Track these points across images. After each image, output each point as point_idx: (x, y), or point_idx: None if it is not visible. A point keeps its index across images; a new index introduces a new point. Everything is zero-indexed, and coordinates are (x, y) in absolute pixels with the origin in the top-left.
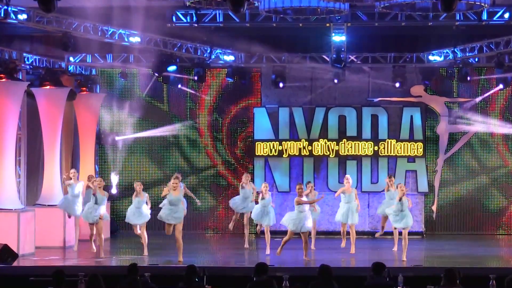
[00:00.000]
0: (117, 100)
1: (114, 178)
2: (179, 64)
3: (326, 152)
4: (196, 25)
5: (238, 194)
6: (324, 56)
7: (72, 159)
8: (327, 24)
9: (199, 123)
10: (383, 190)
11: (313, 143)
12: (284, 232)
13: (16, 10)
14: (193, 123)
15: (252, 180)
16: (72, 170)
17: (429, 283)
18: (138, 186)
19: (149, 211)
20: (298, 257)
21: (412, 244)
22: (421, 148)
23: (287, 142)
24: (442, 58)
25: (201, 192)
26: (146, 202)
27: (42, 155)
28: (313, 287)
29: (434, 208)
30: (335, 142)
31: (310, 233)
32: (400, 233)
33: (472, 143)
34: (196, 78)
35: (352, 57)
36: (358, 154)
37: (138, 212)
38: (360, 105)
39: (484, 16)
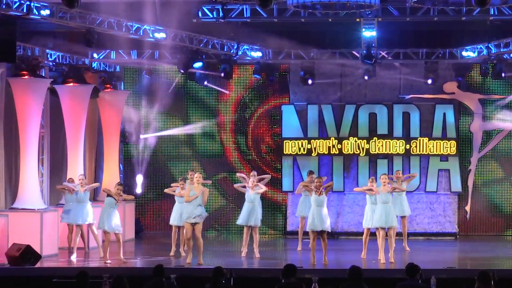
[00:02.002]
0: (141, 98)
1: (139, 178)
2: (205, 61)
3: (356, 151)
4: (222, 20)
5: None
6: (354, 52)
7: (96, 158)
8: (357, 19)
9: (224, 121)
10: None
11: (343, 142)
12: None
13: (39, 5)
14: (219, 121)
15: (280, 179)
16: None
17: (463, 285)
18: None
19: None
20: (328, 258)
21: (445, 245)
22: (454, 146)
23: (316, 140)
24: (475, 54)
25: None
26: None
27: (66, 153)
28: None
29: (467, 208)
30: (365, 141)
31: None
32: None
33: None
34: (222, 74)
35: (383, 53)
36: (389, 152)
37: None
38: (391, 102)
39: None
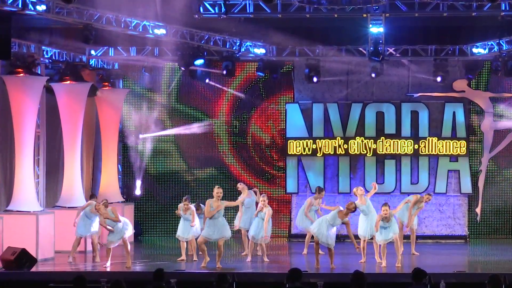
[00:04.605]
0: (141, 96)
1: (138, 180)
2: (207, 58)
3: (363, 151)
4: (224, 16)
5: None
6: (361, 49)
7: (93, 159)
8: (364, 15)
9: (226, 120)
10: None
11: (349, 141)
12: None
13: (34, 1)
14: (220, 120)
15: (285, 180)
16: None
17: None
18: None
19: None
20: (334, 263)
21: (455, 248)
22: (464, 146)
23: (321, 140)
24: (486, 51)
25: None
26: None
27: (62, 154)
28: None
29: (478, 210)
30: (372, 140)
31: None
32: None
33: None
34: (224, 72)
35: (391, 50)
36: (397, 153)
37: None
38: (399, 101)
39: None
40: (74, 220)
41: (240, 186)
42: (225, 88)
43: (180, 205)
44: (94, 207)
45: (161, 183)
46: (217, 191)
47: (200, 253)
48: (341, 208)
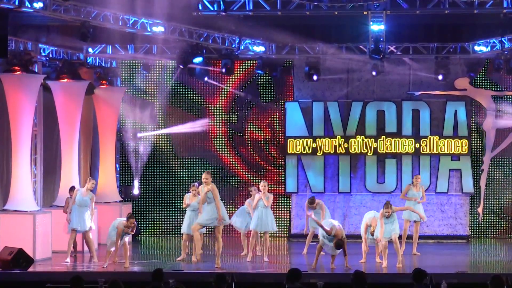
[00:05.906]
0: (139, 94)
1: (136, 179)
2: (206, 56)
3: (364, 150)
4: (223, 13)
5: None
6: (362, 47)
7: (91, 157)
8: (365, 12)
9: (225, 119)
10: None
11: (350, 140)
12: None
13: None
14: (218, 119)
15: (284, 180)
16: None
17: None
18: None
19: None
20: (335, 263)
21: (456, 248)
22: (466, 145)
23: (321, 139)
24: (488, 49)
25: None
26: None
27: (59, 153)
28: None
29: (480, 210)
30: (373, 139)
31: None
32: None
33: None
34: (223, 70)
35: (392, 48)
36: (398, 152)
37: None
38: (400, 99)
39: None
40: (66, 217)
41: (254, 191)
42: (223, 86)
43: (187, 195)
44: (87, 188)
45: (159, 182)
46: (203, 176)
47: (183, 249)
48: (339, 236)
